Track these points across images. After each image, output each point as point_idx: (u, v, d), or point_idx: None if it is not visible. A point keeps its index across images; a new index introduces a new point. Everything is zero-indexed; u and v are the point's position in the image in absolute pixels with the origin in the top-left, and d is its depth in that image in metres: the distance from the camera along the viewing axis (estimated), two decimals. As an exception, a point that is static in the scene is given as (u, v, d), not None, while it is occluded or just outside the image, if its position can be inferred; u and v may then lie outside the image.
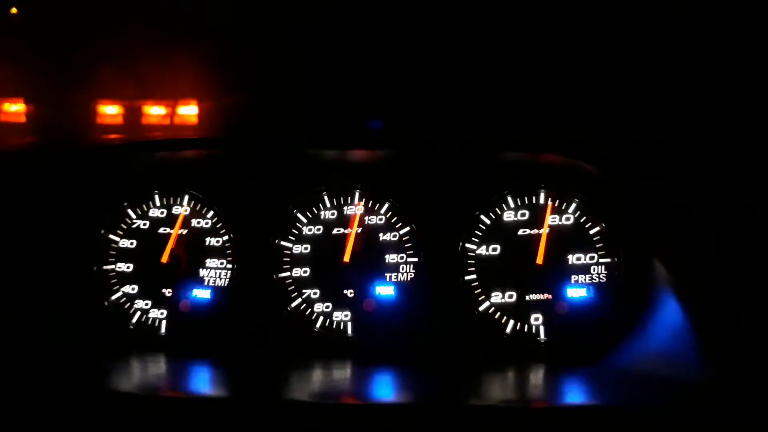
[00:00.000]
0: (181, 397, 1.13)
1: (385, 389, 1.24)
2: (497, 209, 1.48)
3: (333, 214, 1.53)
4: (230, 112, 1.56)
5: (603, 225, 1.44)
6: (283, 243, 1.52)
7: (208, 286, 1.52)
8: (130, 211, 1.55)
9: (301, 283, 1.51)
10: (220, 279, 1.52)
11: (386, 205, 1.52)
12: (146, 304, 1.53)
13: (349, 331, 1.49)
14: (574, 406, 1.11)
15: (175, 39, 1.51)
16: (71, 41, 1.53)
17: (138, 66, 1.52)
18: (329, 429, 1.02)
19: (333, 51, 1.44)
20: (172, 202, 1.55)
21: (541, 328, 1.44)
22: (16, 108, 1.58)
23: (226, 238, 1.53)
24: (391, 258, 1.50)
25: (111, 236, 1.54)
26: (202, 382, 1.29)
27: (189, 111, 1.55)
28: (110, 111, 1.55)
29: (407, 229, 1.50)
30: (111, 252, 1.55)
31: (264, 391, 1.14)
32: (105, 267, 1.54)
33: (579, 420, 1.03)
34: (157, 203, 1.55)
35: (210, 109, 1.56)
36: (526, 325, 1.45)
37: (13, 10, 1.54)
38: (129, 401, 1.08)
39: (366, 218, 1.52)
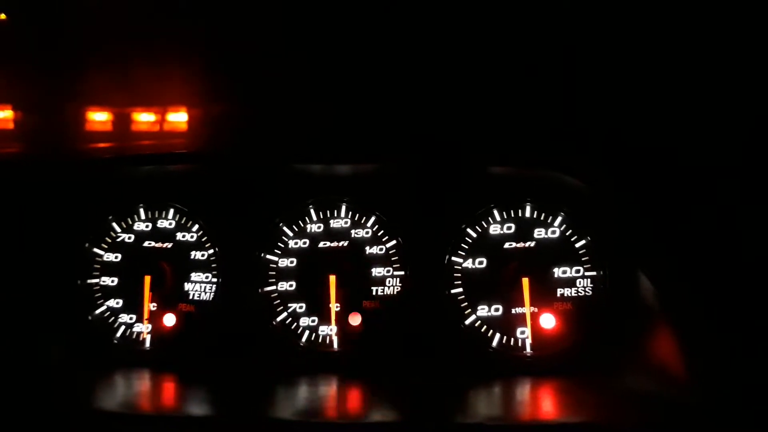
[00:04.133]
0: (164, 415, 1.12)
1: (371, 407, 1.23)
2: (483, 222, 1.48)
3: (319, 227, 1.52)
4: (220, 120, 1.56)
5: (588, 238, 1.45)
6: (268, 257, 1.51)
7: (193, 301, 1.51)
8: (114, 225, 1.54)
9: (286, 297, 1.50)
10: (205, 293, 1.51)
11: (373, 219, 1.51)
12: (130, 318, 1.51)
13: (335, 346, 1.48)
14: (560, 423, 1.10)
15: (165, 46, 1.50)
16: (61, 48, 1.52)
17: (127, 73, 1.51)
18: None
19: (322, 64, 1.44)
20: (157, 216, 1.54)
21: (527, 342, 1.44)
22: (4, 115, 1.57)
23: (211, 251, 1.52)
24: (377, 271, 1.50)
25: (95, 250, 1.53)
26: (187, 399, 1.27)
27: (178, 118, 1.54)
28: (99, 118, 1.54)
29: (394, 242, 1.50)
30: (95, 266, 1.53)
31: (248, 409, 1.13)
32: (89, 281, 1.53)
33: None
34: (142, 216, 1.54)
35: (199, 117, 1.55)
36: (512, 339, 1.45)
37: (2, 17, 1.53)
38: (112, 420, 1.07)
39: (353, 232, 1.52)
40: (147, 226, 1.54)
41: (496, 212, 1.48)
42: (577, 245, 1.45)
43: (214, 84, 1.52)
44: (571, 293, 1.44)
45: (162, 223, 1.54)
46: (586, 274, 1.44)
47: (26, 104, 1.57)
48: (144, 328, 1.49)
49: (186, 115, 1.53)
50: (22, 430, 1.08)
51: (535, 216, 1.47)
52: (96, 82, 1.54)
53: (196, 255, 1.52)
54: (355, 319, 1.47)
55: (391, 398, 1.22)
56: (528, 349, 1.43)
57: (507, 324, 1.45)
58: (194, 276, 1.51)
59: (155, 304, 1.50)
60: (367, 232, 1.52)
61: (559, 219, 1.46)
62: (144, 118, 1.53)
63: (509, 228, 1.48)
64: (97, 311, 1.52)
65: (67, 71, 1.53)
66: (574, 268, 1.45)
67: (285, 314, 1.50)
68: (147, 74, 1.51)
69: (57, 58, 1.53)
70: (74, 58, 1.52)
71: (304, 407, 1.19)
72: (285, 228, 1.52)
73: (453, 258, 1.48)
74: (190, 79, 1.52)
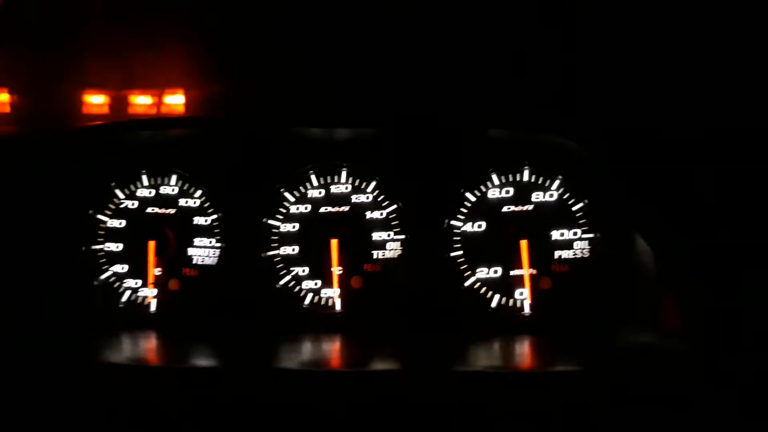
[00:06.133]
0: (170, 367, 1.15)
1: (372, 358, 1.27)
2: (482, 187, 1.50)
3: (320, 193, 1.54)
4: (217, 101, 1.57)
5: (586, 201, 1.47)
6: (270, 222, 1.54)
7: (197, 265, 1.53)
8: (117, 191, 1.56)
9: (289, 261, 1.53)
10: (209, 258, 1.53)
11: (373, 184, 1.53)
12: (136, 283, 1.54)
13: (338, 307, 1.51)
14: (558, 371, 1.14)
15: (161, 27, 1.50)
16: (56, 30, 1.52)
17: (124, 55, 1.52)
18: (318, 396, 1.05)
19: (320, 28, 1.45)
20: (159, 182, 1.56)
21: (526, 303, 1.47)
22: (0, 98, 1.57)
23: (214, 217, 1.54)
24: (378, 235, 1.52)
25: (99, 216, 1.55)
26: (192, 354, 1.30)
27: (176, 100, 1.54)
28: (96, 101, 1.54)
29: (394, 207, 1.52)
30: (99, 232, 1.55)
31: (253, 361, 1.16)
32: (94, 247, 1.55)
33: (563, 384, 1.06)
34: (145, 183, 1.56)
35: (197, 98, 1.55)
36: (511, 300, 1.48)
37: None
38: (118, 372, 1.10)
39: (353, 197, 1.54)
40: (150, 193, 1.56)
41: (494, 176, 1.50)
42: (575, 208, 1.48)
43: (214, 57, 1.53)
44: (568, 255, 1.47)
45: (165, 190, 1.55)
46: (584, 236, 1.47)
47: (25, 86, 1.57)
48: (149, 293, 1.52)
49: (186, 90, 1.54)
50: (30, 385, 1.11)
51: (533, 180, 1.49)
52: (93, 63, 1.55)
53: (199, 221, 1.54)
54: (356, 282, 1.50)
55: (392, 351, 1.25)
56: (527, 310, 1.47)
57: (506, 285, 1.48)
58: (198, 241, 1.54)
59: (160, 269, 1.52)
60: (367, 197, 1.54)
61: (557, 182, 1.48)
62: (142, 100, 1.54)
63: (507, 192, 1.50)
64: (103, 276, 1.54)
65: (64, 53, 1.53)
66: (572, 231, 1.47)
67: (288, 278, 1.53)
68: (147, 52, 1.52)
69: (53, 40, 1.52)
70: (70, 40, 1.52)
71: (307, 359, 1.22)
72: (286, 193, 1.54)
73: (452, 222, 1.50)
74: (190, 54, 1.52)
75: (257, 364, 1.14)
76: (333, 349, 1.31)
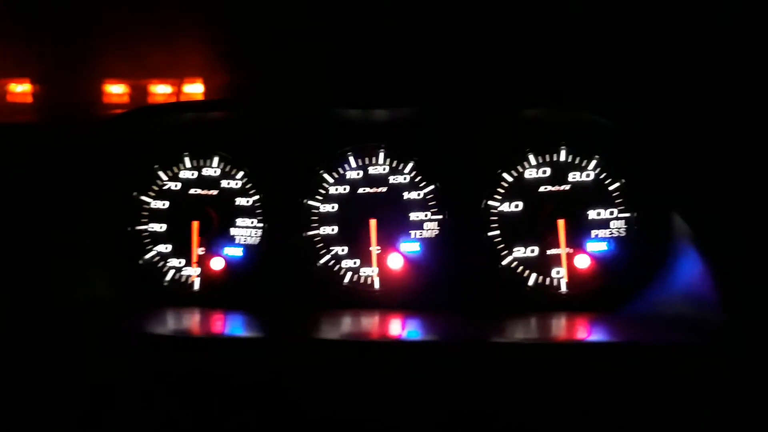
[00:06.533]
0: (215, 338, 1.19)
1: (412, 331, 1.30)
2: (519, 167, 1.52)
3: (359, 174, 1.57)
4: (236, 89, 1.59)
5: (623, 181, 1.48)
6: (311, 203, 1.57)
7: (239, 245, 1.57)
8: (161, 173, 1.60)
9: (329, 241, 1.56)
10: (251, 237, 1.57)
11: (411, 165, 1.56)
12: (179, 263, 1.58)
13: (376, 286, 1.54)
14: (595, 342, 1.16)
15: (180, 16, 1.51)
16: (76, 21, 1.54)
17: (143, 45, 1.54)
18: (359, 366, 1.08)
19: (359, 8, 1.47)
20: (202, 164, 1.60)
21: (563, 281, 1.49)
22: (22, 88, 1.61)
23: (256, 198, 1.58)
24: (415, 215, 1.55)
25: (143, 198, 1.59)
26: (235, 326, 1.35)
27: (195, 89, 1.57)
28: (116, 90, 1.58)
29: (432, 187, 1.55)
30: (144, 213, 1.59)
31: (295, 332, 1.20)
32: (138, 228, 1.59)
33: (600, 356, 1.09)
34: (188, 165, 1.60)
35: (216, 87, 1.58)
36: (548, 278, 1.50)
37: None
38: (164, 343, 1.15)
39: (391, 178, 1.56)
40: (193, 174, 1.59)
41: (531, 157, 1.52)
42: (611, 188, 1.49)
43: (232, 38, 1.55)
44: (605, 234, 1.49)
45: (207, 171, 1.59)
46: (620, 215, 1.49)
47: (46, 76, 1.60)
48: (193, 272, 1.56)
49: (205, 79, 1.56)
50: (76, 356, 1.16)
51: (569, 160, 1.51)
52: (113, 53, 1.57)
53: (241, 201, 1.58)
54: (395, 261, 1.53)
55: (430, 325, 1.28)
56: (563, 288, 1.49)
57: (543, 264, 1.50)
58: (240, 221, 1.57)
59: (203, 249, 1.56)
60: (405, 178, 1.56)
61: (594, 162, 1.50)
62: (161, 89, 1.57)
63: (544, 172, 1.52)
64: (147, 256, 1.58)
65: (84, 43, 1.55)
66: (609, 210, 1.49)
67: (328, 257, 1.56)
68: (165, 31, 1.53)
69: (73, 30, 1.54)
70: (90, 30, 1.53)
71: (348, 331, 1.26)
72: (325, 175, 1.57)
73: (489, 202, 1.52)
74: (209, 42, 1.54)
75: (298, 335, 1.18)
76: (372, 322, 1.34)
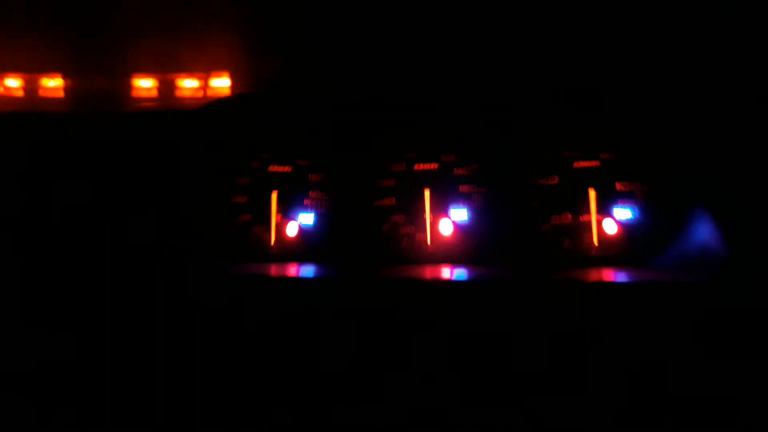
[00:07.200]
0: (290, 278, 1.46)
1: (460, 274, 1.53)
2: (555, 146, 1.75)
3: (413, 153, 1.82)
4: (262, 83, 1.71)
5: (645, 158, 1.70)
6: (372, 178, 1.81)
7: (311, 214, 1.82)
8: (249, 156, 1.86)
9: (388, 211, 1.81)
10: (321, 208, 1.82)
11: (459, 143, 1.80)
12: (260, 230, 1.84)
13: (430, 250, 1.77)
14: (618, 282, 1.39)
15: (207, 10, 1.58)
16: (104, 17, 1.60)
17: (171, 39, 1.61)
18: (415, 301, 1.33)
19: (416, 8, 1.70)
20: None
21: (593, 244, 1.71)
22: (54, 83, 1.68)
23: (324, 173, 1.83)
24: (464, 188, 1.78)
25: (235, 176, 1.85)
26: (306, 272, 1.59)
27: (222, 83, 1.67)
28: (144, 84, 1.65)
29: (478, 163, 1.78)
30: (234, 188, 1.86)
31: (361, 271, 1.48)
32: (226, 200, 1.85)
33: (623, 293, 1.32)
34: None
35: (243, 81, 1.69)
36: (581, 242, 1.72)
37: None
38: (242, 281, 1.44)
39: (442, 155, 1.80)
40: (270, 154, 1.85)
41: (565, 137, 1.74)
42: (635, 164, 1.71)
43: (258, 32, 1.64)
44: (630, 203, 1.70)
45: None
46: (643, 187, 1.70)
47: (77, 71, 1.66)
48: (272, 237, 1.82)
49: (232, 73, 1.65)
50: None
51: (599, 140, 1.73)
52: (141, 48, 1.64)
53: (314, 177, 1.83)
54: (446, 228, 1.76)
55: (476, 271, 1.53)
56: (594, 251, 1.70)
57: (576, 230, 1.72)
58: (312, 194, 1.83)
59: (280, 216, 1.82)
60: (455, 155, 1.80)
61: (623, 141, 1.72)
62: (188, 83, 1.63)
63: (577, 149, 1.74)
64: (233, 222, 1.84)
65: (113, 38, 1.61)
66: (634, 183, 1.71)
67: (387, 224, 1.80)
68: (193, 25, 1.58)
69: (103, 26, 1.59)
70: (118, 25, 1.58)
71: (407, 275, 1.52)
72: (384, 153, 1.81)
73: (530, 177, 1.75)
74: (236, 36, 1.62)
75: (364, 272, 1.46)
76: (427, 270, 1.58)
